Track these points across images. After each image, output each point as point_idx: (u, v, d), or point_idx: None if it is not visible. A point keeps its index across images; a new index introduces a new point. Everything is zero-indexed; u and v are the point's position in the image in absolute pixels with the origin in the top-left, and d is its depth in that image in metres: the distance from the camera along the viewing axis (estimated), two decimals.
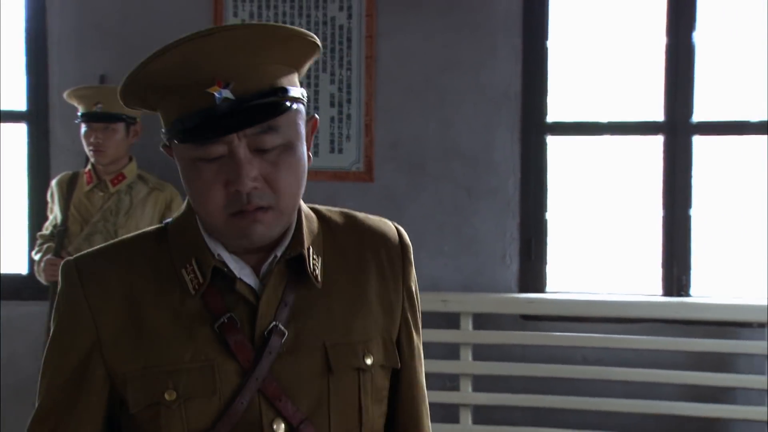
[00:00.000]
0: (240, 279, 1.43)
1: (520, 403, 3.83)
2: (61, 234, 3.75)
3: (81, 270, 1.47)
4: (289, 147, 1.39)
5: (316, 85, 4.05)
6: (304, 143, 1.45)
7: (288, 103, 1.38)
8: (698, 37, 3.91)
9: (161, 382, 1.41)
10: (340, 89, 4.06)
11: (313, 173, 3.91)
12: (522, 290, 3.96)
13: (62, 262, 1.48)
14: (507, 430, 3.82)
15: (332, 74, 4.05)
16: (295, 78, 1.44)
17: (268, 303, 1.43)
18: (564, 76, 4.07)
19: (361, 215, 1.58)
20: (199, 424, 1.41)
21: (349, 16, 4.03)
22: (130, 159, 3.83)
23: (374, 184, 4.05)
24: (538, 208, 4.04)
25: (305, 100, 1.46)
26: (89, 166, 3.79)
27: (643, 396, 3.78)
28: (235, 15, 4.03)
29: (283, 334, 1.41)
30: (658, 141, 3.95)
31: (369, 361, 1.46)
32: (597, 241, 4.16)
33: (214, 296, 1.43)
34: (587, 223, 4.17)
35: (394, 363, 1.51)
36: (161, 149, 1.47)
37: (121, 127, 3.74)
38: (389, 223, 1.58)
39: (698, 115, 3.93)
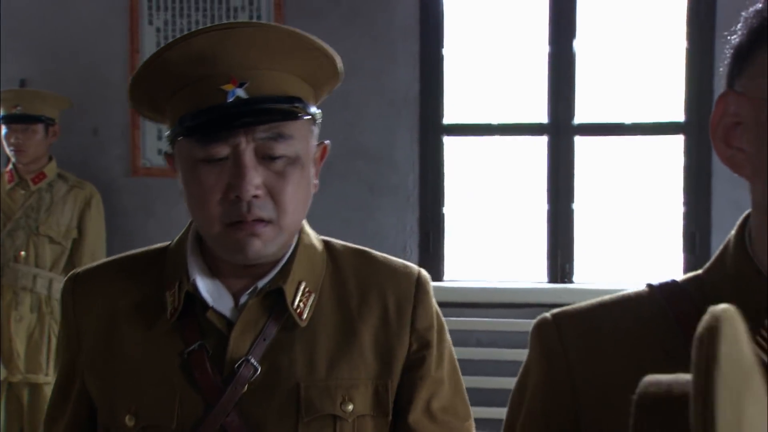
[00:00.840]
0: (212, 308, 1.34)
1: None
2: None
3: (76, 283, 1.43)
4: (298, 162, 1.30)
5: None
6: (313, 166, 1.36)
7: (301, 114, 1.30)
8: (578, 45, 4.15)
9: (123, 407, 1.34)
10: None
11: None
12: None
13: (69, 273, 1.45)
14: None
15: None
16: (311, 97, 1.35)
17: (242, 335, 1.33)
18: (459, 80, 4.30)
19: (379, 256, 1.45)
20: None
21: None
22: (50, 159, 4.02)
23: None
24: (436, 203, 4.25)
25: (319, 122, 1.37)
26: (10, 166, 3.97)
27: None
28: (150, 23, 4.19)
29: (255, 369, 1.31)
30: (543, 141, 4.19)
31: (348, 409, 1.32)
32: (489, 234, 4.40)
33: (190, 322, 1.35)
34: (481, 217, 4.40)
35: (386, 414, 1.36)
36: (163, 159, 1.43)
37: (40, 128, 3.93)
38: (412, 267, 1.44)
39: (579, 118, 4.17)
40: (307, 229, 1.43)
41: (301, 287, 1.35)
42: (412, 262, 1.47)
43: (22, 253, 3.90)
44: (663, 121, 4.15)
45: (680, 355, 0.87)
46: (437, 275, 4.22)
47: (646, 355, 0.91)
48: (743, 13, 0.88)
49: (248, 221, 1.27)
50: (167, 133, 1.35)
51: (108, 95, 4.25)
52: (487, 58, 4.34)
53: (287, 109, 1.29)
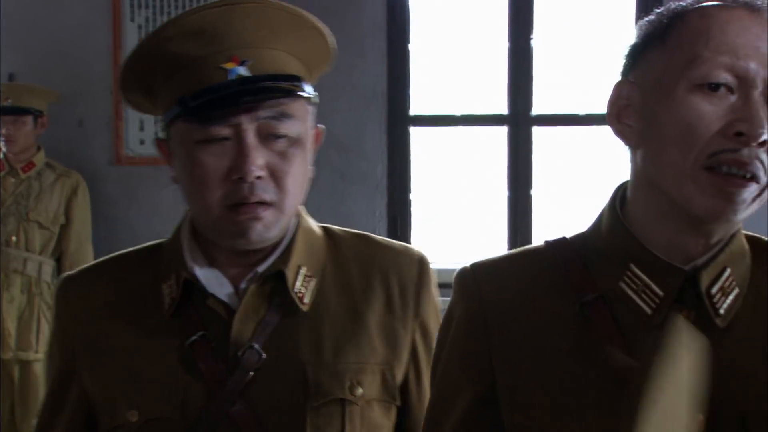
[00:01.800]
0: (212, 295, 1.29)
1: None
2: None
3: (68, 287, 1.39)
4: (299, 142, 1.26)
5: None
6: (311, 152, 1.32)
7: (301, 93, 1.26)
8: (535, 41, 4.32)
9: (125, 404, 1.29)
10: None
11: None
12: None
13: (61, 277, 1.42)
14: None
15: None
16: (308, 77, 1.31)
17: (244, 322, 1.28)
18: (424, 74, 4.46)
19: (380, 240, 1.41)
20: None
21: None
22: (39, 149, 4.18)
23: None
24: (403, 190, 4.40)
25: (315, 103, 1.33)
26: (1, 155, 4.12)
27: None
28: (132, 20, 4.33)
29: (259, 355, 1.26)
30: (503, 131, 4.36)
31: (357, 393, 1.27)
32: (453, 218, 4.58)
33: (190, 313, 1.30)
34: (445, 203, 4.57)
35: (393, 399, 1.32)
36: (154, 144, 1.36)
37: (29, 119, 4.08)
38: (413, 251, 1.39)
39: (537, 109, 4.34)
40: (305, 215, 1.38)
41: (302, 271, 1.31)
42: None
43: (13, 237, 4.05)
44: None
45: (564, 289, 1.13)
46: None
47: (540, 292, 1.12)
48: (639, 22, 1.15)
49: (250, 203, 1.22)
50: (160, 119, 1.30)
51: (92, 89, 4.38)
52: (451, 54, 4.52)
53: (289, 88, 1.24)
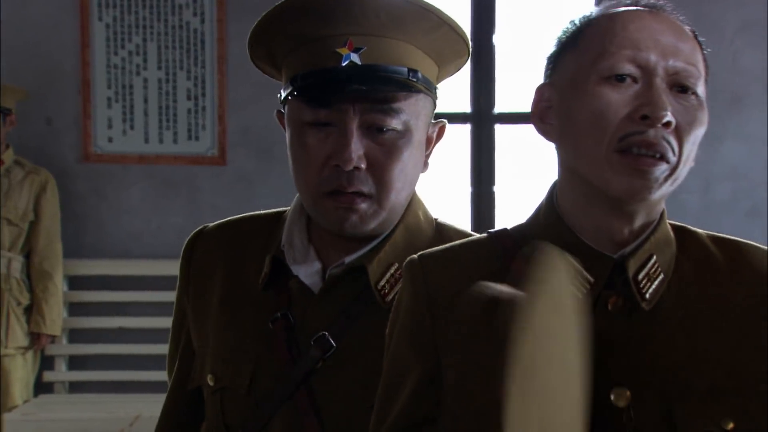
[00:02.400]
0: (297, 276, 1.28)
1: None
2: None
3: (198, 239, 1.40)
4: (406, 137, 1.23)
5: (174, 81, 4.42)
6: (424, 144, 1.30)
7: (416, 88, 1.23)
8: (497, 40, 4.43)
9: (209, 365, 1.32)
10: (195, 85, 4.41)
11: (173, 158, 4.44)
12: None
13: (197, 229, 1.43)
14: None
15: (188, 72, 4.41)
16: (433, 72, 1.29)
17: (321, 309, 1.27)
18: None
19: (453, 228, 1.39)
20: (233, 420, 1.28)
21: (203, 21, 4.38)
22: (7, 146, 4.20)
23: (227, 167, 4.46)
24: None
25: (436, 98, 1.32)
26: None
27: None
28: (100, 20, 4.36)
29: (331, 346, 1.24)
30: (466, 129, 4.47)
31: None
32: None
33: (281, 290, 1.29)
34: None
35: None
36: (275, 116, 1.35)
37: None
38: None
39: (499, 107, 4.44)
40: (418, 209, 1.35)
41: (391, 269, 1.28)
42: None
43: None
44: None
45: (503, 277, 1.21)
46: None
47: (480, 279, 1.17)
48: (557, 33, 1.25)
49: (347, 193, 1.21)
50: (281, 93, 1.29)
51: (61, 87, 4.43)
52: None
53: (401, 80, 1.21)
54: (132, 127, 4.46)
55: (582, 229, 1.19)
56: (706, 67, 1.18)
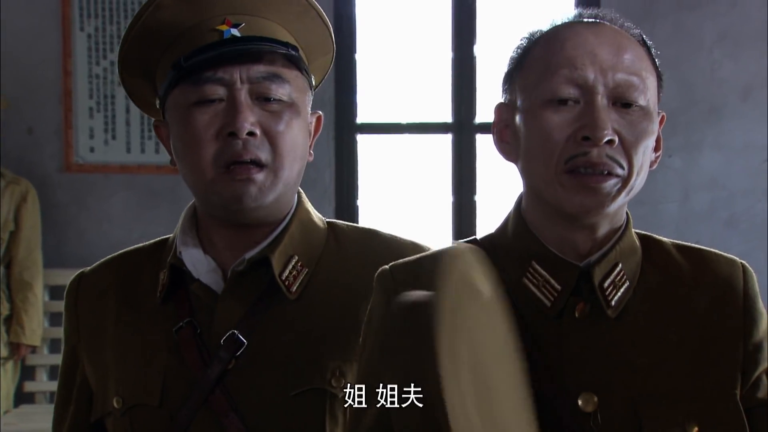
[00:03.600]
0: (198, 280, 1.28)
1: None
2: None
3: (80, 282, 1.40)
4: (294, 109, 1.24)
5: None
6: (309, 128, 1.31)
7: (297, 66, 1.25)
8: (478, 51, 4.44)
9: (112, 390, 1.30)
10: None
11: (155, 168, 4.43)
12: None
13: (76, 273, 1.42)
14: None
15: None
16: (303, 58, 1.30)
17: (228, 308, 1.26)
18: (371, 83, 4.56)
19: (386, 234, 1.39)
20: None
21: None
22: None
23: None
24: (351, 196, 4.48)
25: (313, 88, 1.33)
26: None
27: None
28: (82, 29, 4.36)
29: (242, 344, 1.24)
30: (447, 139, 4.47)
31: (340, 383, 1.24)
32: (400, 223, 4.65)
33: (181, 299, 1.29)
34: (392, 209, 4.66)
35: None
36: (153, 128, 1.34)
37: None
38: (422, 246, 1.37)
39: (480, 117, 4.46)
40: (308, 206, 1.37)
41: (293, 261, 1.28)
42: None
43: None
44: None
45: None
46: None
47: None
48: (511, 52, 1.25)
49: (244, 162, 1.20)
50: (158, 98, 1.30)
51: (42, 97, 4.41)
52: (397, 63, 4.63)
53: (283, 53, 1.23)
54: (114, 137, 4.45)
55: (548, 239, 1.21)
56: (657, 70, 1.19)
